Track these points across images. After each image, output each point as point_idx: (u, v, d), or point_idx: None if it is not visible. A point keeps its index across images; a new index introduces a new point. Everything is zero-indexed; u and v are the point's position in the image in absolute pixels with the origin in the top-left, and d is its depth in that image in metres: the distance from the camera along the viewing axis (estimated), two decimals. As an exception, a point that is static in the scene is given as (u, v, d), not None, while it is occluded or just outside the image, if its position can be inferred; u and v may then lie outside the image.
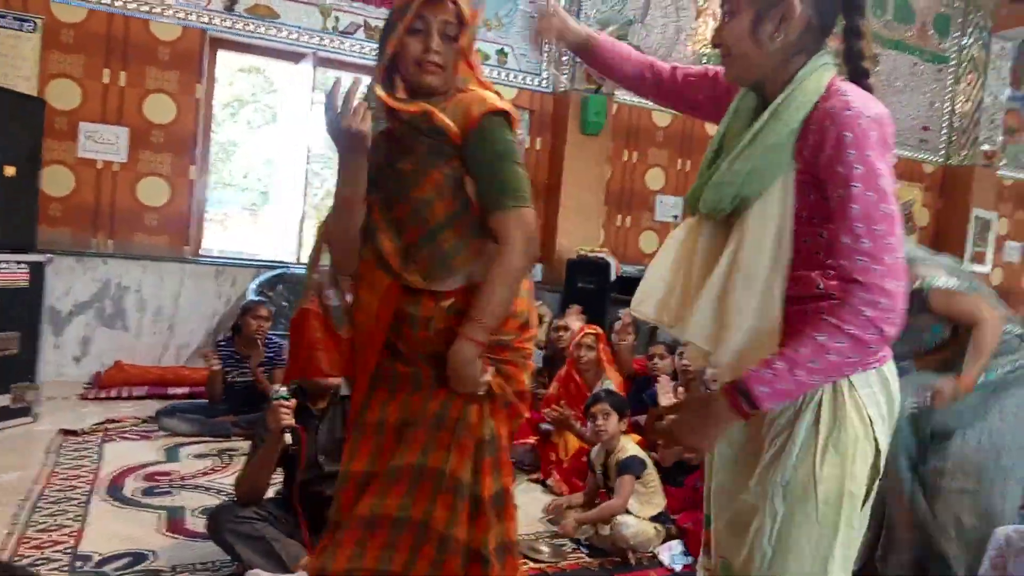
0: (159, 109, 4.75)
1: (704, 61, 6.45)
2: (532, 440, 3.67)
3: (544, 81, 5.90)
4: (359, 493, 1.55)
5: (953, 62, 7.69)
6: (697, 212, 1.26)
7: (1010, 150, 8.08)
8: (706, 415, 1.15)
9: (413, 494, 1.50)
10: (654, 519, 2.87)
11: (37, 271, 3.58)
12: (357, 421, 1.60)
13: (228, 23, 4.88)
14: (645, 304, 1.32)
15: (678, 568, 2.67)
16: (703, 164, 1.26)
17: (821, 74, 1.16)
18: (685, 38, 6.38)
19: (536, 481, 3.46)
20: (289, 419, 2.27)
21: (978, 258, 7.78)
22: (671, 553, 2.73)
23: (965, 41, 7.64)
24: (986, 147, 7.63)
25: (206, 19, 4.83)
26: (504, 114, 1.50)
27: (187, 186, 4.88)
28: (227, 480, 3.05)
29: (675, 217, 6.43)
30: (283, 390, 2.32)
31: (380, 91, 1.48)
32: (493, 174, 1.48)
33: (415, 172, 1.49)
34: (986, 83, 7.59)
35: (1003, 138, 7.81)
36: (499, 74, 5.68)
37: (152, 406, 4.01)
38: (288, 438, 2.29)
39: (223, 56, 5.15)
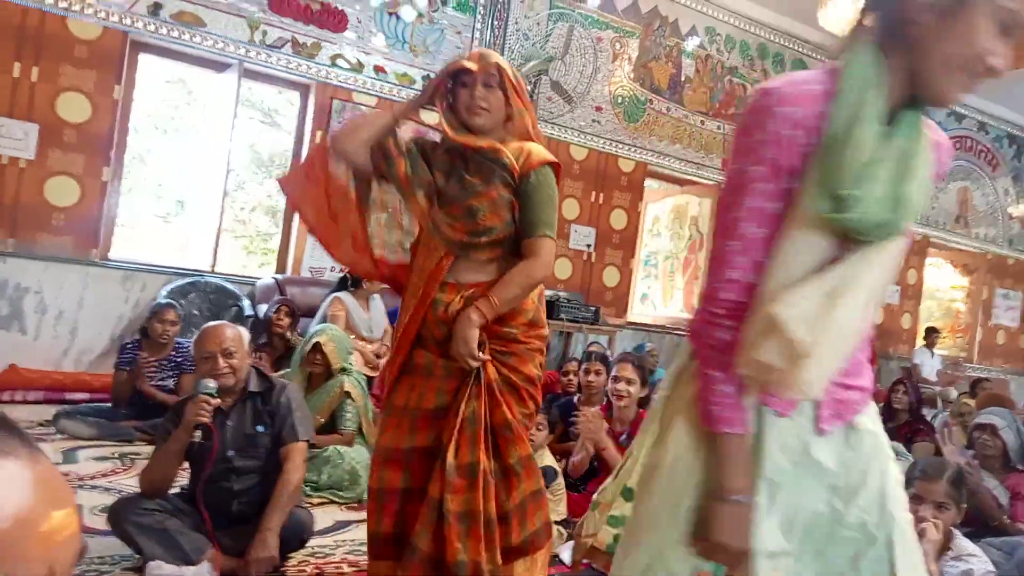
0: (73, 108, 4.64)
1: (619, 102, 6.82)
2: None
3: (467, 108, 6.10)
4: (384, 463, 1.88)
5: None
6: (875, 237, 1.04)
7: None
8: None
9: (420, 468, 1.86)
10: (556, 523, 3.00)
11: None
12: (387, 403, 1.95)
13: (152, 27, 4.85)
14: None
15: (577, 565, 2.80)
16: (880, 179, 1.01)
17: None
18: (602, 78, 6.74)
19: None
20: (207, 417, 2.28)
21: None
22: (571, 552, 2.86)
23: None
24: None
25: (128, 21, 4.78)
26: (555, 166, 1.92)
27: (99, 188, 4.76)
28: (129, 481, 2.99)
29: (588, 246, 6.71)
30: (212, 385, 2.31)
31: (454, 134, 1.86)
32: (538, 209, 1.87)
33: (479, 185, 1.86)
34: (871, 139, 8.30)
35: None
36: (424, 99, 5.84)
37: (49, 411, 3.86)
38: (197, 434, 2.30)
39: (146, 61, 5.09)
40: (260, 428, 2.45)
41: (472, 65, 1.84)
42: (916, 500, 2.22)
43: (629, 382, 3.23)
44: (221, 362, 2.37)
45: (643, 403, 3.27)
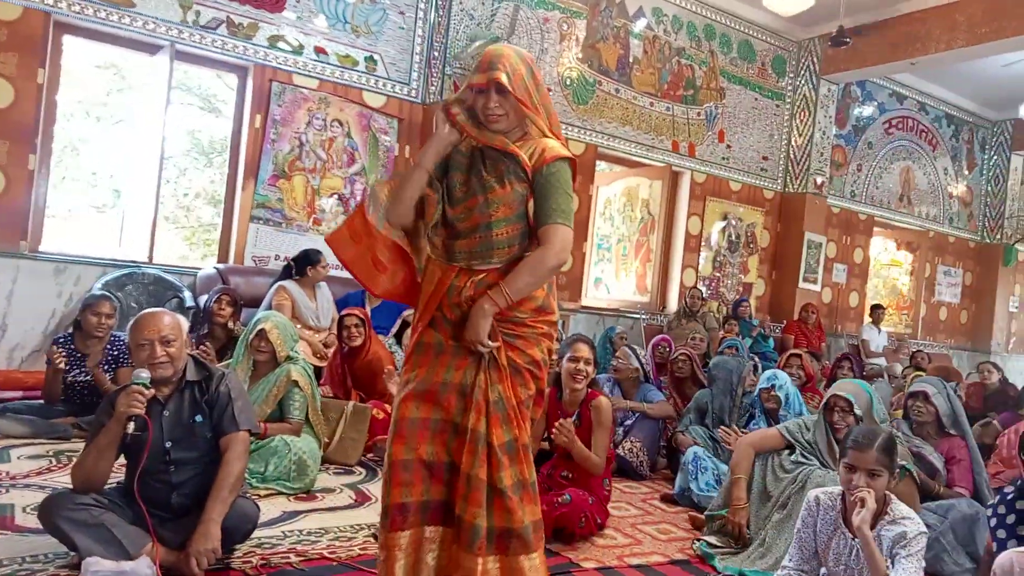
0: (-6, 92, 4.41)
1: (568, 84, 6.79)
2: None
3: (413, 91, 5.98)
4: (393, 438, 1.94)
5: (788, 100, 8.52)
6: None
7: (836, 182, 9.03)
8: None
9: (449, 444, 1.95)
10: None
11: None
12: (402, 383, 2.03)
13: (76, 8, 4.63)
14: None
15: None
16: None
17: None
18: (550, 59, 6.69)
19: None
20: (140, 408, 2.18)
21: (810, 278, 8.57)
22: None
23: (798, 82, 8.49)
24: (817, 178, 8.47)
25: (51, 1, 4.55)
26: (569, 160, 1.99)
27: (25, 177, 4.54)
28: (64, 479, 2.86)
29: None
30: (145, 376, 2.22)
31: (476, 133, 1.97)
32: (551, 198, 1.95)
33: (495, 180, 1.97)
34: (816, 121, 8.45)
35: (830, 171, 8.71)
36: (368, 81, 5.71)
37: (-23, 411, 3.67)
38: (131, 426, 2.19)
39: (72, 43, 4.86)
40: (198, 418, 2.36)
41: (479, 79, 1.93)
42: (849, 469, 2.26)
43: (587, 362, 3.22)
44: (159, 350, 2.27)
45: (591, 384, 3.26)
